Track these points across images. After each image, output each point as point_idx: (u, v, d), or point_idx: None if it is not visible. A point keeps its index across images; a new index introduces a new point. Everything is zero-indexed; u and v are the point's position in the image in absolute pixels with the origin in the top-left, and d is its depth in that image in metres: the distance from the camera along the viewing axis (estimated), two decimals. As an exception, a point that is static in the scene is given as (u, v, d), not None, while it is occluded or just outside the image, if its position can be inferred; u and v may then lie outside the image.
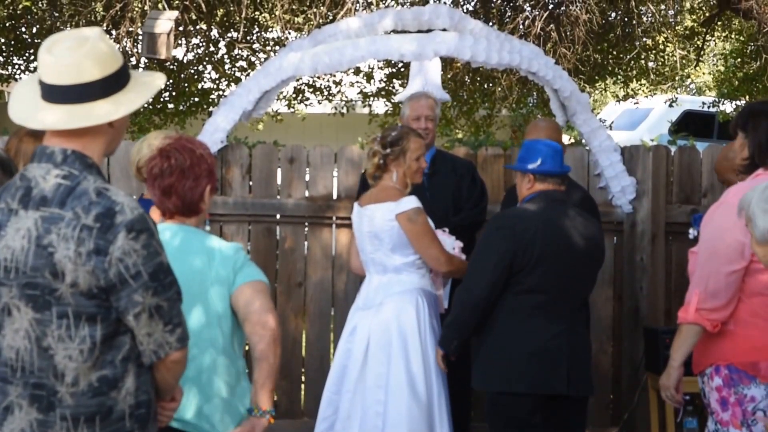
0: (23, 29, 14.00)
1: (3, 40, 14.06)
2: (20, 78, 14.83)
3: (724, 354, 4.67)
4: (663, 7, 13.03)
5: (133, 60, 12.72)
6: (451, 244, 5.77)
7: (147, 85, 3.20)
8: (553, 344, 5.16)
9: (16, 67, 14.68)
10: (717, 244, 4.66)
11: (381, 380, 5.51)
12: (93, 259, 2.96)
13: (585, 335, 5.36)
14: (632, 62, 14.47)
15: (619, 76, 15.25)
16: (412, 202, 5.57)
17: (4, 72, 14.62)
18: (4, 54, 14.44)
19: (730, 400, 4.63)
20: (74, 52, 3.05)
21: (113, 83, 3.09)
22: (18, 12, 13.19)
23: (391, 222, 5.55)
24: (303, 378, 7.25)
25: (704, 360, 4.78)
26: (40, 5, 13.05)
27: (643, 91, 16.95)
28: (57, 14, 12.83)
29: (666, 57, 15.27)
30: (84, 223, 2.96)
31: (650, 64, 15.28)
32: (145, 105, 13.71)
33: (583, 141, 7.45)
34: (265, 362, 4.00)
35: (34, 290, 3.00)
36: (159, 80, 3.26)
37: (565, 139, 6.87)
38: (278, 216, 7.21)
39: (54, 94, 3.05)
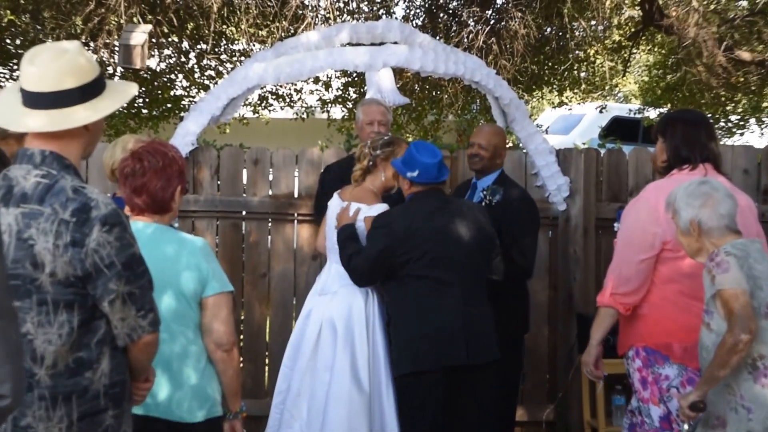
0: (7, 41, 13.84)
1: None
2: (4, 86, 14.67)
3: (641, 336, 4.73)
4: (593, 22, 13.09)
5: (110, 69, 12.62)
6: None
7: (121, 93, 3.22)
8: (447, 321, 5.22)
9: (1, 76, 14.51)
10: (631, 234, 4.73)
11: (328, 363, 5.50)
12: (70, 251, 2.97)
13: (482, 309, 5.37)
14: (566, 73, 14.54)
15: (554, 86, 15.33)
16: (381, 209, 5.57)
17: (-13, 81, 14.46)
18: (-13, 65, 14.29)
19: (648, 379, 4.68)
20: (54, 63, 3.05)
21: (90, 91, 3.10)
22: (2, 25, 13.04)
23: (359, 222, 5.56)
24: (267, 361, 7.22)
25: (625, 342, 4.85)
26: (24, 18, 12.91)
27: (575, 98, 17.07)
28: (39, 27, 12.70)
29: (596, 68, 15.37)
30: (62, 217, 2.97)
31: (582, 74, 15.37)
32: (121, 110, 13.62)
33: (521, 144, 7.47)
34: (224, 375, 4.13)
35: (16, 280, 2.99)
36: (132, 89, 3.28)
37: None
38: (244, 212, 7.17)
39: (35, 100, 3.05)
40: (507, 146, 6.60)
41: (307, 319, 5.71)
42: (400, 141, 5.75)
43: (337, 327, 5.53)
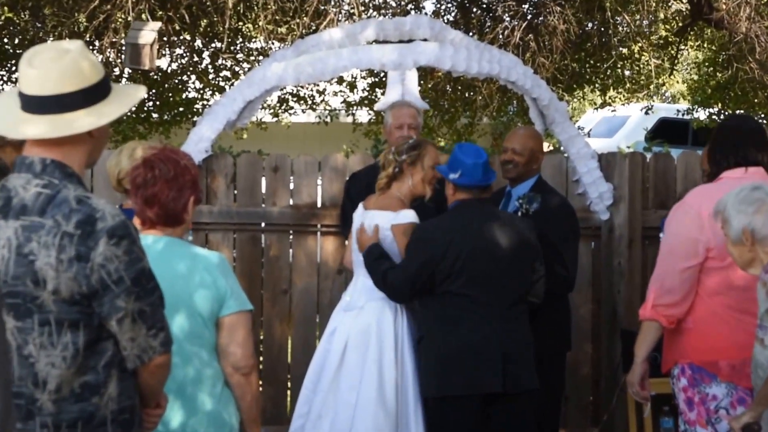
0: (5, 40, 13.92)
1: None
2: (2, 89, 14.76)
3: (686, 352, 4.73)
4: (638, 17, 13.07)
5: (117, 71, 12.67)
6: None
7: (128, 97, 3.19)
8: (485, 344, 5.23)
9: (-1, 77, 14.61)
10: (674, 242, 4.75)
11: (354, 383, 5.50)
12: (75, 266, 2.94)
13: (522, 332, 5.39)
14: (609, 71, 14.51)
15: (597, 85, 15.30)
16: (409, 217, 5.58)
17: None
18: (-15, 66, 14.36)
19: (694, 399, 4.68)
20: (55, 64, 3.03)
21: (94, 94, 3.08)
22: (0, 23, 13.12)
23: (386, 231, 5.57)
24: (289, 384, 7.23)
25: (669, 357, 4.85)
26: (23, 16, 12.99)
27: (619, 99, 17.01)
28: (39, 25, 12.76)
29: (641, 66, 15.33)
30: (65, 230, 2.94)
31: (626, 72, 15.33)
32: (130, 115, 13.67)
33: (562, 148, 7.46)
34: (243, 401, 4.13)
35: (15, 299, 2.98)
36: (140, 92, 3.26)
37: (544, 146, 6.88)
38: (263, 224, 7.20)
39: (34, 104, 3.03)
40: (546, 150, 6.58)
41: (331, 336, 5.71)
42: (427, 143, 5.76)
43: (363, 345, 5.52)
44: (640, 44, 14.05)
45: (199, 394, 4.02)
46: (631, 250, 7.25)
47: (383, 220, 5.62)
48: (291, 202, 7.20)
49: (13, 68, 14.16)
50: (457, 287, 5.26)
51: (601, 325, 7.37)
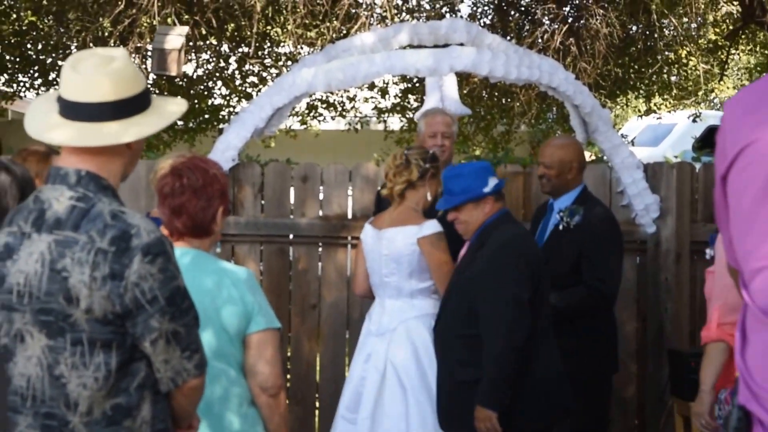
0: (29, 45, 14.04)
1: (8, 57, 14.10)
2: (25, 96, 14.88)
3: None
4: (686, 20, 13.03)
5: (142, 76, 12.74)
6: None
7: (166, 112, 3.20)
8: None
9: (21, 84, 14.70)
10: None
11: (401, 408, 5.48)
12: (108, 284, 2.95)
13: None
14: (654, 76, 14.47)
15: (641, 91, 15.25)
16: (435, 227, 5.54)
17: (8, 89, 14.64)
18: (9, 71, 14.47)
19: None
20: (97, 71, 3.05)
21: (130, 106, 3.09)
22: (23, 28, 13.23)
23: (412, 246, 5.53)
24: (317, 404, 7.23)
25: (725, 383, 4.77)
26: (47, 21, 13.11)
27: (665, 106, 16.96)
28: (63, 30, 12.87)
29: (689, 71, 15.27)
30: (99, 246, 2.95)
31: (673, 78, 15.29)
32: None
33: (605, 157, 7.43)
34: (270, 422, 4.13)
35: (47, 316, 2.98)
36: (177, 107, 3.27)
37: (587, 155, 6.85)
38: (291, 236, 7.21)
39: (69, 110, 3.05)
40: (588, 159, 6.52)
41: (366, 363, 5.68)
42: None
43: (412, 367, 5.50)
44: (687, 48, 13.99)
45: (227, 413, 4.03)
46: (678, 266, 7.20)
47: (406, 236, 5.56)
48: (320, 213, 7.21)
49: (36, 74, 14.26)
50: (537, 304, 5.05)
51: (647, 345, 7.32)
